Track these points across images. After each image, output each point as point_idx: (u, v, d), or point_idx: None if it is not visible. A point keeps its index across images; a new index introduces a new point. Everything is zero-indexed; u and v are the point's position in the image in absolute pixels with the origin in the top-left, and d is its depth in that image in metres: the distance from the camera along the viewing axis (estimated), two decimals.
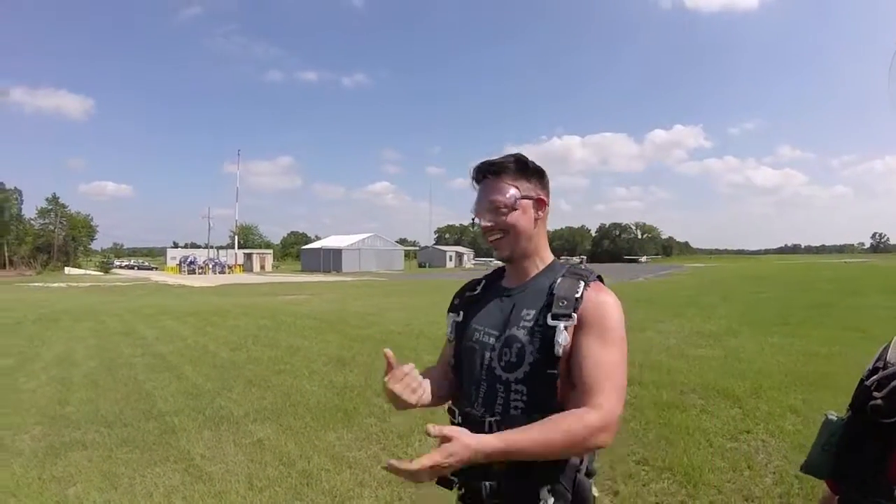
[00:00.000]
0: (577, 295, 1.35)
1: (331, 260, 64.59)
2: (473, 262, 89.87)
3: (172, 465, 4.00)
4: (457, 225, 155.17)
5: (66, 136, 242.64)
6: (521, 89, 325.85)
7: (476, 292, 1.62)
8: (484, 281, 1.64)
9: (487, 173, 1.48)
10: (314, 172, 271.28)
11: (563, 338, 1.31)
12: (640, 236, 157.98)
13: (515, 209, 1.44)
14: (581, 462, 1.39)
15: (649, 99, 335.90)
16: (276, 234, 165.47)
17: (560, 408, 1.29)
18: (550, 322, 1.34)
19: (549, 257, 1.54)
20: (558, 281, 1.41)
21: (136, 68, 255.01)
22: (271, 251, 79.43)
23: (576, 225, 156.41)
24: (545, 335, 1.34)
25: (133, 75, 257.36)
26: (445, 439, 1.15)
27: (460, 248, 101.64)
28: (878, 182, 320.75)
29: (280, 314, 14.19)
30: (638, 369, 6.52)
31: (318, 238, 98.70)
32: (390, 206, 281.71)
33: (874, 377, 1.13)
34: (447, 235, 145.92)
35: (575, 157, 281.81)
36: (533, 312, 1.39)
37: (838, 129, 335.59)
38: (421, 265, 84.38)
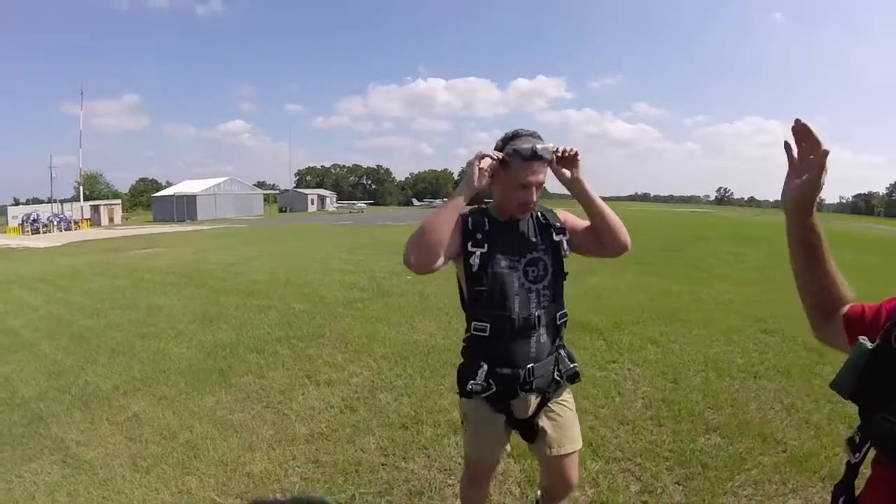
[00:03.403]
0: (561, 220, 2.09)
1: (185, 208, 58.99)
2: (336, 205, 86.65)
3: (49, 457, 3.63)
4: (318, 167, 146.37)
5: None
6: (387, 28, 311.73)
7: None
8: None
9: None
10: (163, 111, 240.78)
11: (565, 246, 2.06)
12: None
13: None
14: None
15: (516, 48, 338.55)
16: (124, 182, 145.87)
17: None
18: (555, 238, 2.06)
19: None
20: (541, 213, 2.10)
21: None
22: (120, 201, 71.15)
23: (438, 168, 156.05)
24: (556, 247, 2.06)
25: None
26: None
27: (323, 191, 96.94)
28: (727, 143, 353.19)
29: (136, 271, 12.88)
30: None
31: (170, 184, 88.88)
32: (247, 147, 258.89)
33: None
34: (308, 178, 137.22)
35: (439, 101, 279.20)
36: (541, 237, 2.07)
37: (693, 91, 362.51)
38: (282, 210, 79.85)
